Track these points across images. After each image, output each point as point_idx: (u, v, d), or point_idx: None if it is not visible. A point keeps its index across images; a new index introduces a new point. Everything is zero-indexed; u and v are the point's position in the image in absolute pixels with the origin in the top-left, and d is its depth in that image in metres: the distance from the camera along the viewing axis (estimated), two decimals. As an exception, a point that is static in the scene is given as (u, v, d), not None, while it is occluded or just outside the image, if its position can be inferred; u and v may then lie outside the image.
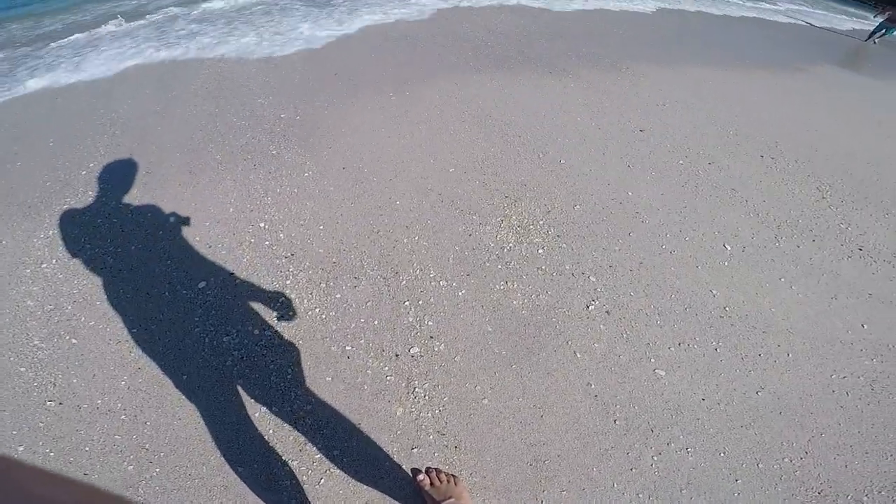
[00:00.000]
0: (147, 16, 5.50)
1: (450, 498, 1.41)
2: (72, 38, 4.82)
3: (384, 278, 2.26)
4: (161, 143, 3.11)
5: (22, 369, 1.79)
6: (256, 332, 1.97)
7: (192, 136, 3.19)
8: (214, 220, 2.50)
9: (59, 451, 1.58)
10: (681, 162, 3.48)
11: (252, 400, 1.75)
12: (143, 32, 5.02)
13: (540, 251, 2.49)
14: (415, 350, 1.97)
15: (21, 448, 1.57)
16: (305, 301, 2.12)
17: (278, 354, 1.90)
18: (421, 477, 1.48)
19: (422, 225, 2.58)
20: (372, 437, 1.68)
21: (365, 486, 1.56)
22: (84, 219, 2.45)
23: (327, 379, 1.84)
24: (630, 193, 3.03)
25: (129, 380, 1.78)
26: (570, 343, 2.06)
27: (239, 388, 1.78)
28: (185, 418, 1.68)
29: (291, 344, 1.94)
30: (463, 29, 5.72)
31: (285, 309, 2.08)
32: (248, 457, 1.60)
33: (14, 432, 1.61)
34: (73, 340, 1.90)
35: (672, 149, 3.64)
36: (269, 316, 2.05)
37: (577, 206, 2.85)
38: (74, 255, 2.26)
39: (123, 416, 1.67)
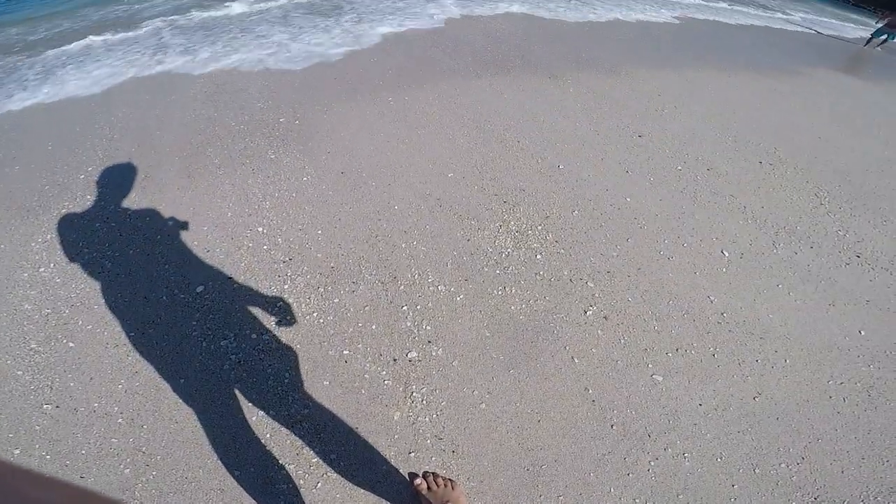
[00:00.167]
0: (141, 25, 5.45)
1: (447, 502, 1.41)
2: (70, 46, 4.80)
3: (382, 283, 2.26)
4: (159, 147, 3.12)
5: (19, 372, 1.79)
6: (254, 336, 1.97)
7: (190, 140, 3.20)
8: (213, 224, 2.50)
9: (55, 454, 1.57)
10: (679, 168, 3.50)
11: (249, 404, 1.75)
12: (141, 41, 4.98)
13: (538, 256, 2.50)
14: (413, 354, 1.97)
15: (17, 451, 1.57)
16: (303, 305, 2.12)
17: (276, 358, 1.90)
18: (418, 481, 1.48)
19: (420, 230, 2.59)
20: (369, 441, 1.68)
21: (362, 491, 1.56)
22: (82, 223, 2.46)
23: (325, 383, 1.84)
24: (628, 199, 3.04)
25: (126, 383, 1.78)
26: (567, 348, 2.06)
27: (236, 392, 1.78)
28: (182, 422, 1.68)
29: (289, 348, 1.94)
30: (463, 34, 5.74)
31: (283, 313, 2.08)
32: (245, 460, 1.60)
33: (10, 435, 1.61)
34: (71, 344, 1.90)
35: (671, 154, 3.66)
36: (267, 320, 2.05)
37: (576, 212, 2.86)
38: (72, 258, 2.26)
39: (120, 420, 1.67)
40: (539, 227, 2.70)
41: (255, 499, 1.51)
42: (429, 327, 2.08)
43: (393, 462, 1.63)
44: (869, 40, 10.03)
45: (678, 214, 2.97)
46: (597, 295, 2.33)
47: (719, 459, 1.74)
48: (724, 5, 10.83)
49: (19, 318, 1.98)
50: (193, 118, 3.47)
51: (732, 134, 4.20)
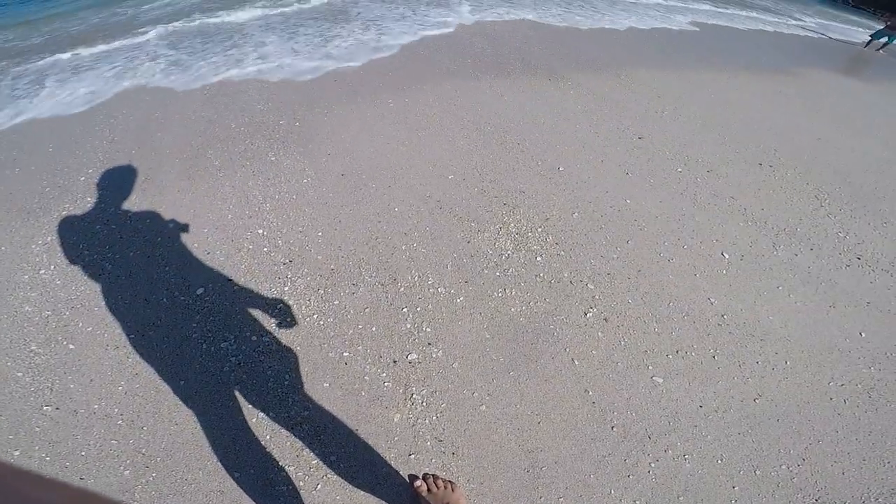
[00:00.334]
0: (142, 30, 5.44)
1: (447, 504, 1.41)
2: (69, 53, 4.79)
3: (382, 285, 2.27)
4: (160, 149, 3.12)
5: (19, 374, 1.79)
6: (254, 338, 1.97)
7: (190, 142, 3.20)
8: (213, 226, 2.50)
9: (55, 456, 1.57)
10: (679, 170, 3.50)
11: (249, 405, 1.75)
12: (143, 47, 4.97)
13: (538, 258, 2.50)
14: (413, 356, 1.97)
15: (17, 452, 1.57)
16: (303, 307, 2.12)
17: (276, 360, 1.90)
18: (418, 483, 1.47)
19: (420, 232, 2.59)
20: (369, 443, 1.68)
21: (362, 492, 1.55)
22: (82, 225, 2.46)
23: (325, 385, 1.84)
24: (628, 201, 3.04)
25: (126, 385, 1.78)
26: (567, 350, 2.06)
27: (236, 394, 1.77)
28: (182, 423, 1.68)
29: (289, 350, 1.94)
30: (463, 38, 5.74)
31: (283, 315, 2.08)
32: (245, 462, 1.60)
33: (10, 436, 1.61)
34: (71, 346, 1.90)
35: (671, 156, 3.66)
36: (267, 322, 2.05)
37: (576, 214, 2.86)
38: (73, 261, 2.26)
39: (120, 421, 1.67)
40: (539, 229, 2.70)
41: (255, 500, 1.51)
42: (429, 329, 2.08)
43: (393, 464, 1.63)
44: (869, 42, 10.03)
45: (678, 216, 2.97)
46: (597, 297, 2.33)
47: (720, 461, 1.74)
48: (734, 10, 10.77)
49: (20, 320, 1.98)
50: (193, 120, 3.47)
51: (732, 135, 4.20)
